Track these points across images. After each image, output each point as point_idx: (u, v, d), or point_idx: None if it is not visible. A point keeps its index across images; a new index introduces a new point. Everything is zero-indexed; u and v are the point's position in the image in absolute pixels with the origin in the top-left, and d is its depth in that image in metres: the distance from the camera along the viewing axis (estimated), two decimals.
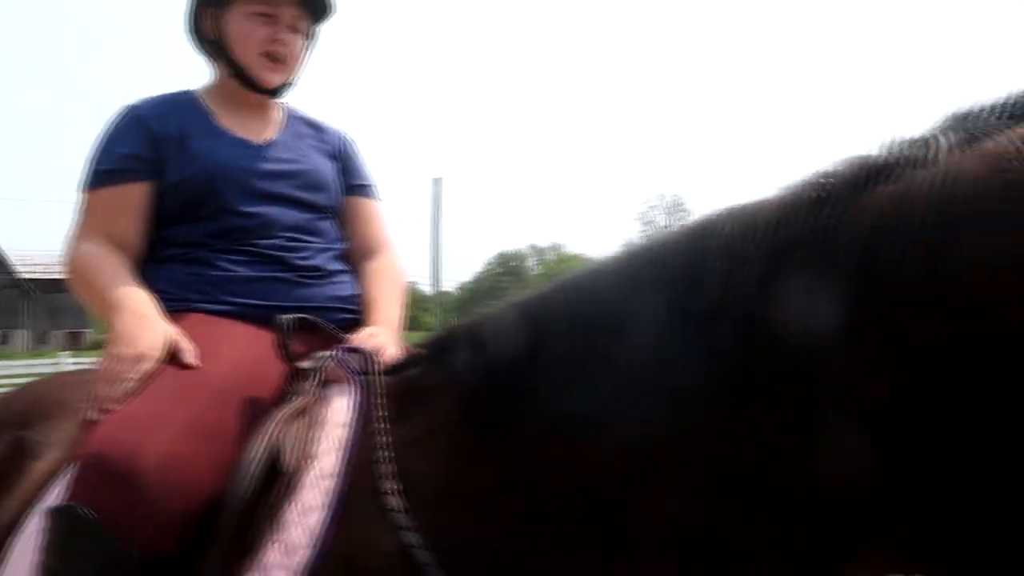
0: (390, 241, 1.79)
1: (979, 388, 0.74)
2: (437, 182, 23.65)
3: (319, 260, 1.58)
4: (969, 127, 0.83)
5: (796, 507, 0.83)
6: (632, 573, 0.90)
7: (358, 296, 1.62)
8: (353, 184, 1.77)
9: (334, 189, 1.71)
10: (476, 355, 1.07)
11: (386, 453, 1.04)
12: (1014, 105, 0.82)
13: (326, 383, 1.23)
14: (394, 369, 1.23)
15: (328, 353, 1.27)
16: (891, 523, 0.81)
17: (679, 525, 0.88)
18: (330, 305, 1.54)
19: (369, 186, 1.81)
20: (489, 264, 60.61)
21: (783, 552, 0.85)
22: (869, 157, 0.87)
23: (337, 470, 1.05)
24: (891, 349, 0.78)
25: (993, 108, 0.84)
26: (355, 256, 1.70)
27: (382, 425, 1.08)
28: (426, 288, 25.34)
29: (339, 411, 1.14)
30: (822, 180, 0.88)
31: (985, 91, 0.84)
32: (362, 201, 1.77)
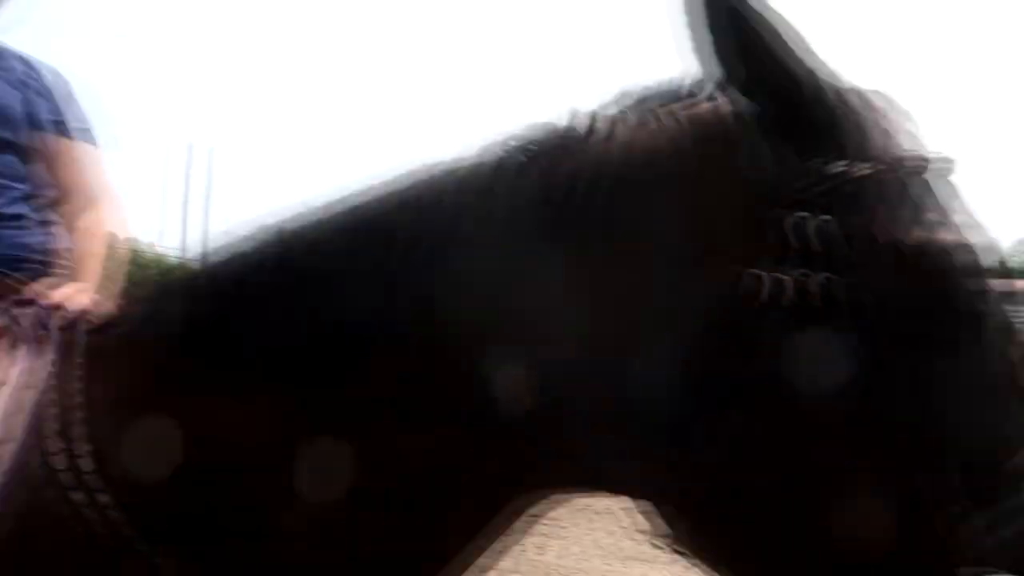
0: (107, 193, 1.67)
1: (640, 328, 0.94)
2: (190, 148, 24.06)
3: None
4: (644, 105, 1.01)
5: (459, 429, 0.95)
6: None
7: (57, 248, 1.50)
8: (57, 121, 1.61)
9: (22, 122, 1.54)
10: (185, 308, 1.07)
11: (78, 415, 1.03)
12: (683, 87, 1.02)
13: (16, 342, 1.15)
14: (99, 326, 1.18)
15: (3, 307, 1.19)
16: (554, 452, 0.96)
17: (372, 462, 0.95)
18: (13, 254, 1.41)
19: (83, 129, 1.66)
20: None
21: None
22: (561, 126, 1.01)
23: (17, 435, 1.03)
24: (577, 296, 0.94)
25: (663, 89, 1.03)
26: (62, 204, 1.59)
27: (74, 385, 1.06)
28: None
29: (24, 373, 1.10)
30: (525, 145, 1.01)
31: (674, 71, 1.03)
32: (70, 143, 1.63)
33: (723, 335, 0.91)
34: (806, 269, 0.87)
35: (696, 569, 0.97)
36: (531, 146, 1.01)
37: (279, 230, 1.07)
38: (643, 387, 0.91)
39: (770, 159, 0.94)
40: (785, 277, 0.87)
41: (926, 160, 0.96)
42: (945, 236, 0.91)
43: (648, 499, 1.00)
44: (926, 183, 0.96)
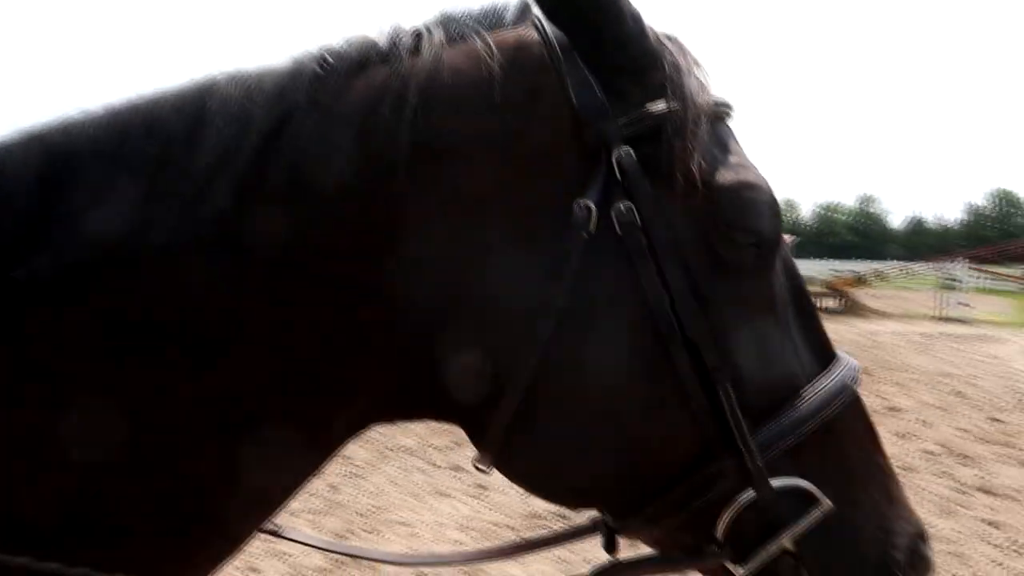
0: None
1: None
2: None
3: None
4: (455, 28, 1.03)
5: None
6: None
7: None
8: None
9: None
10: None
11: None
12: (489, 15, 1.05)
13: None
14: None
15: None
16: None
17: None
18: None
19: None
20: None
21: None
22: (371, 40, 1.01)
23: None
24: (394, 212, 0.95)
25: (475, 13, 1.05)
26: None
27: None
28: None
29: None
30: (326, 56, 0.99)
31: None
32: None
33: (548, 262, 0.95)
34: (622, 199, 0.96)
35: (488, 499, 1.05)
36: (329, 56, 0.98)
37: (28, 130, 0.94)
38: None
39: (585, 90, 0.99)
40: (600, 205, 0.96)
41: (730, 107, 1.08)
42: (747, 176, 1.03)
43: (456, 420, 1.06)
44: (729, 129, 1.08)
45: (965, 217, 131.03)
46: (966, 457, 6.96)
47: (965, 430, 7.94)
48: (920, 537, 1.06)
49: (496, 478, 1.08)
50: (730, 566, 1.00)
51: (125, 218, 0.88)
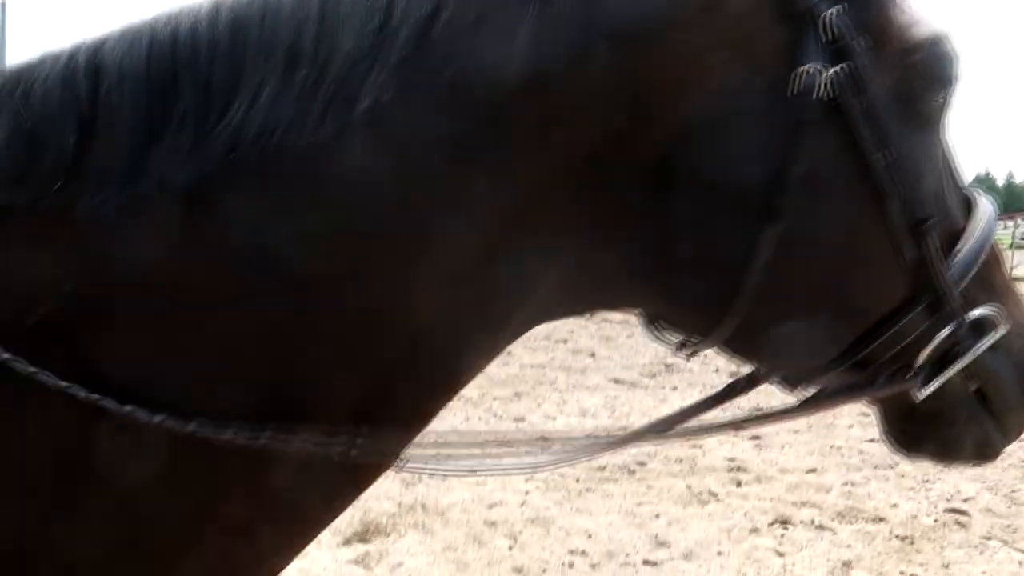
0: None
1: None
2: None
3: None
4: None
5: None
6: None
7: None
8: None
9: None
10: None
11: None
12: None
13: None
14: None
15: None
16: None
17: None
18: None
19: None
20: None
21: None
22: None
23: None
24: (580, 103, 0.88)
25: None
26: None
27: None
28: None
29: None
30: None
31: None
32: None
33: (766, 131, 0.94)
34: (836, 60, 0.94)
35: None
36: None
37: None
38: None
39: None
40: (822, 69, 0.93)
41: None
42: (936, 28, 1.04)
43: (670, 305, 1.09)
44: None
45: None
46: None
47: None
48: None
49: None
50: (913, 392, 1.09)
51: (278, 113, 0.82)
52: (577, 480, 5.05)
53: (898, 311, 1.04)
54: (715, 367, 7.92)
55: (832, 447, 5.81)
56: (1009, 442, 1.22)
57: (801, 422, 5.90)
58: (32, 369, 0.76)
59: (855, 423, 6.11)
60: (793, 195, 0.94)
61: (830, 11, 0.93)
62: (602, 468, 5.22)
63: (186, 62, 0.83)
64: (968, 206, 1.11)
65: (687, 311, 1.07)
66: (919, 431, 1.19)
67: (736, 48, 0.93)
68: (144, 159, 0.80)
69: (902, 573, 4.06)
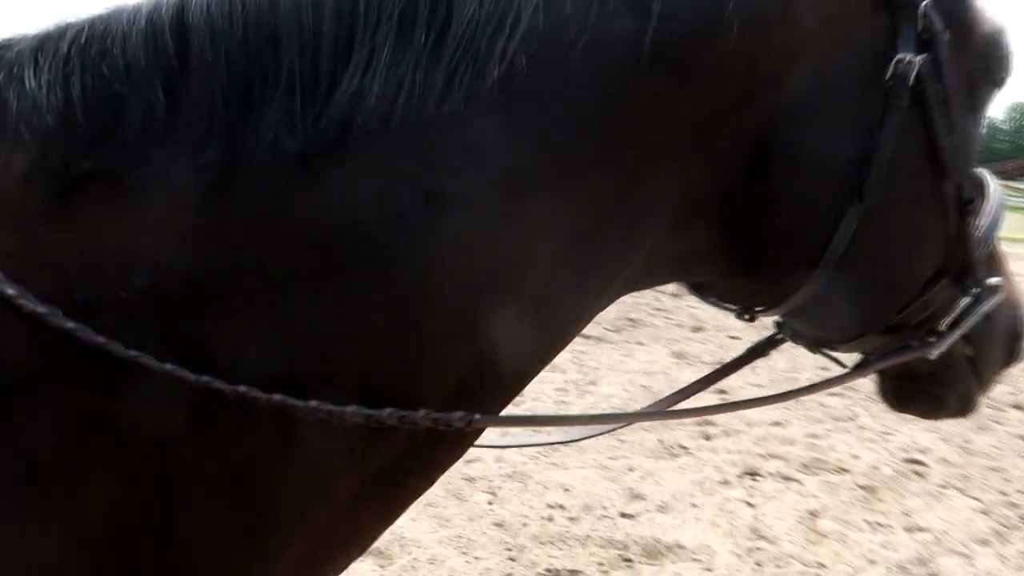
0: None
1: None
2: None
3: None
4: None
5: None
6: None
7: None
8: None
9: None
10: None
11: None
12: None
13: None
14: None
15: None
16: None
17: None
18: None
19: None
20: None
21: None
22: None
23: None
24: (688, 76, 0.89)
25: None
26: None
27: None
28: None
29: None
30: None
31: None
32: None
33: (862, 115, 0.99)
34: (923, 50, 1.00)
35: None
36: None
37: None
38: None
39: None
40: (917, 58, 0.98)
41: None
42: (1000, 22, 1.13)
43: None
44: None
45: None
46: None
47: None
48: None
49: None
50: (922, 353, 1.19)
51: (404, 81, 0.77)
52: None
53: (932, 281, 1.13)
54: (677, 322, 8.03)
55: (795, 400, 5.97)
56: (983, 397, 1.35)
57: (764, 377, 6.05)
58: (133, 352, 0.68)
59: (815, 376, 6.28)
60: (877, 173, 0.99)
61: (924, 3, 0.99)
62: None
63: (288, 21, 0.76)
64: (981, 185, 1.19)
65: (764, 280, 1.11)
66: (916, 390, 1.31)
67: (839, 31, 0.97)
68: (246, 123, 0.73)
69: (866, 521, 4.22)
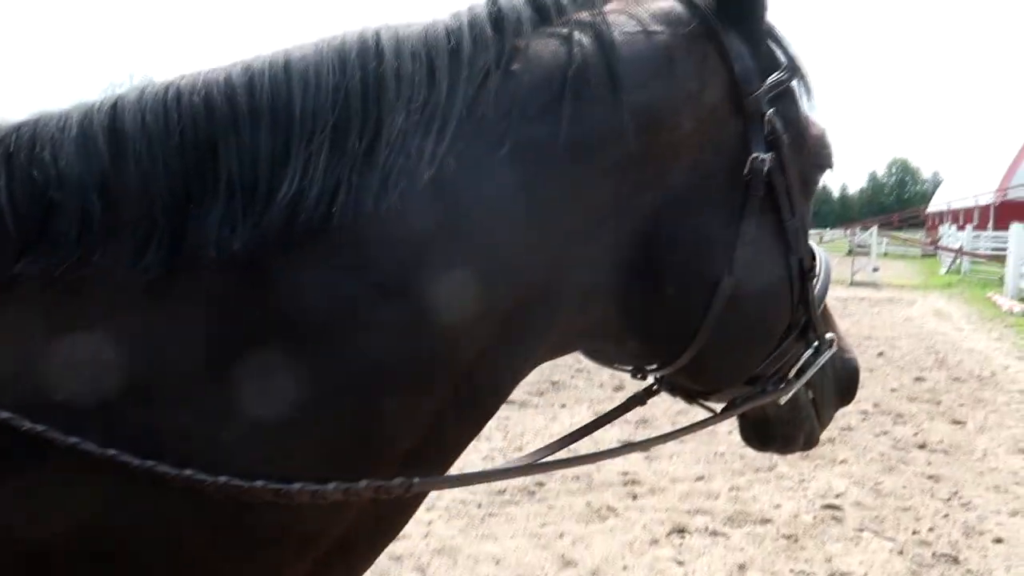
0: None
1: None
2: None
3: None
4: None
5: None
6: None
7: None
8: None
9: None
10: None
11: None
12: None
13: None
14: None
15: None
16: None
17: None
18: None
19: None
20: None
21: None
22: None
23: None
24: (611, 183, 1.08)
25: None
26: None
27: None
28: None
29: None
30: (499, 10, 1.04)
31: None
32: None
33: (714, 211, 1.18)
34: (770, 149, 1.20)
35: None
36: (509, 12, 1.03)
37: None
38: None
39: (740, 56, 1.16)
40: (767, 155, 1.19)
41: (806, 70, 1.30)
42: (822, 127, 1.37)
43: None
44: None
45: (866, 186, 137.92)
46: (899, 415, 7.30)
47: (894, 389, 8.33)
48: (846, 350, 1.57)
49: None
50: (776, 397, 1.38)
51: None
52: (479, 506, 5.01)
53: (783, 337, 1.34)
54: (599, 382, 8.13)
55: (716, 454, 6.10)
56: (822, 431, 1.59)
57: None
58: (73, 440, 0.68)
59: (733, 429, 6.44)
60: (743, 250, 1.18)
61: (770, 110, 1.20)
62: (502, 491, 5.20)
63: (224, 131, 0.80)
64: (814, 256, 1.38)
65: (659, 346, 1.27)
66: (770, 431, 1.52)
67: (708, 133, 1.16)
68: (187, 224, 0.76)
69: (791, 571, 4.30)
